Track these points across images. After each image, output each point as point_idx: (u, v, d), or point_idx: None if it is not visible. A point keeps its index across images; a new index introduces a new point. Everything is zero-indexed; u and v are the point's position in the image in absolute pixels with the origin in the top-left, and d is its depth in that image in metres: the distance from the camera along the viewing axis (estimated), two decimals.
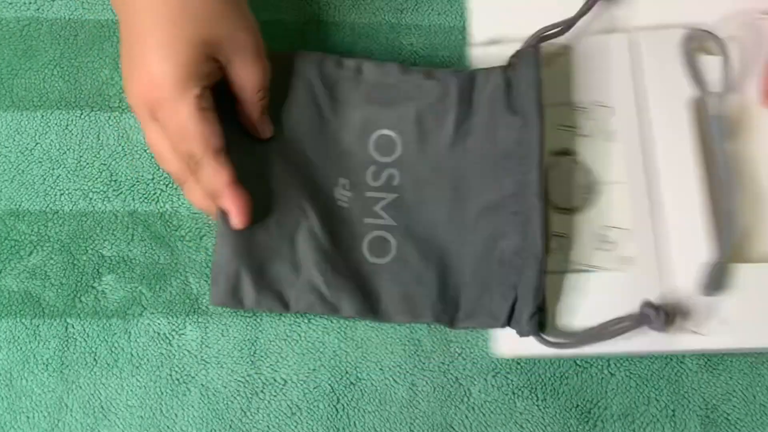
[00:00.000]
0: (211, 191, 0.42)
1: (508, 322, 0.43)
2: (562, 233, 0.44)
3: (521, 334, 0.43)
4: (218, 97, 0.43)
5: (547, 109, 0.44)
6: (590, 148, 0.46)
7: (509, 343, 0.43)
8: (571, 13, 0.47)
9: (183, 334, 0.45)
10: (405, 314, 0.43)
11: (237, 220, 0.42)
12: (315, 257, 0.43)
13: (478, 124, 0.46)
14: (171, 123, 0.41)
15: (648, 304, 0.42)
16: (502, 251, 0.44)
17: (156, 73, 0.40)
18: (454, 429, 0.43)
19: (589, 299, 0.43)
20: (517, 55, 0.46)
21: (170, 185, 0.47)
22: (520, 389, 0.44)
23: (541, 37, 0.46)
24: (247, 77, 0.43)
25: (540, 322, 0.42)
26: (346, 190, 0.46)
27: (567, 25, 0.47)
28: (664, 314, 0.41)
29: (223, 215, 0.43)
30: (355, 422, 0.43)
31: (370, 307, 0.43)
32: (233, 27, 0.42)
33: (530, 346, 0.42)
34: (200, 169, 0.41)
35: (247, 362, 0.44)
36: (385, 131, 0.46)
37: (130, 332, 0.45)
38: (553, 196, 0.45)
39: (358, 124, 0.46)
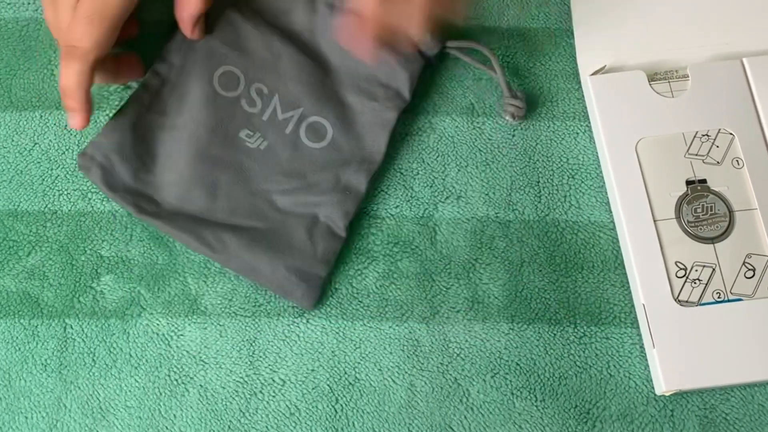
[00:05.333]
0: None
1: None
2: (707, 263, 0.44)
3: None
4: None
5: (669, 139, 0.46)
6: (720, 175, 0.46)
7: (672, 379, 0.43)
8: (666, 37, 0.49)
9: (182, 334, 0.44)
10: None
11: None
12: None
13: None
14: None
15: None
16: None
17: None
18: (452, 429, 0.43)
19: (740, 328, 0.43)
20: None
21: None
22: (519, 390, 0.44)
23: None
24: None
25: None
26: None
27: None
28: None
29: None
30: (353, 422, 0.43)
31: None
32: None
33: (692, 380, 0.43)
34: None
35: (246, 363, 0.44)
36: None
37: (128, 333, 0.44)
38: (693, 227, 0.45)
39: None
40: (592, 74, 0.48)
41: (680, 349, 0.43)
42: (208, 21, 0.47)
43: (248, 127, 0.47)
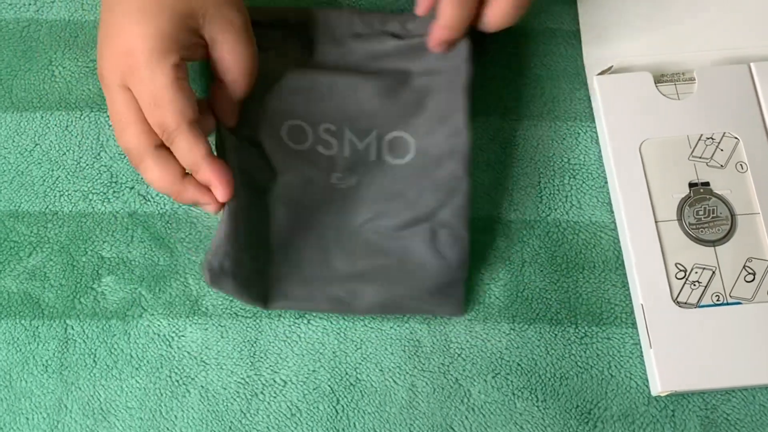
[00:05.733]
0: (189, 164, 0.41)
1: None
2: (707, 266, 0.44)
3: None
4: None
5: (673, 141, 0.46)
6: (723, 179, 0.46)
7: (668, 380, 0.43)
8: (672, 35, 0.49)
9: (183, 335, 0.44)
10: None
11: (220, 191, 0.41)
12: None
13: None
14: (145, 90, 0.40)
15: None
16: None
17: (134, 39, 0.40)
18: (453, 430, 0.43)
19: (738, 331, 0.43)
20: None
21: None
22: (520, 390, 0.44)
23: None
24: (235, 59, 0.42)
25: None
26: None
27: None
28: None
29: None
30: (354, 423, 0.43)
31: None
32: (219, 1, 0.41)
33: (688, 382, 0.43)
34: (175, 141, 0.40)
35: (247, 363, 0.44)
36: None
37: (129, 334, 0.44)
38: (694, 229, 0.45)
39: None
40: (599, 74, 0.48)
41: (677, 350, 0.43)
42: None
43: (335, 170, 0.46)
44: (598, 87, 0.48)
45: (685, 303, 0.44)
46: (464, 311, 0.44)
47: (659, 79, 0.48)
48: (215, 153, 0.44)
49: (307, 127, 0.46)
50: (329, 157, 0.46)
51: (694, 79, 0.48)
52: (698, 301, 0.44)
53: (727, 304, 0.44)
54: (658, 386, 0.43)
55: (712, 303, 0.44)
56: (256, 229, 0.44)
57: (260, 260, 0.44)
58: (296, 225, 0.45)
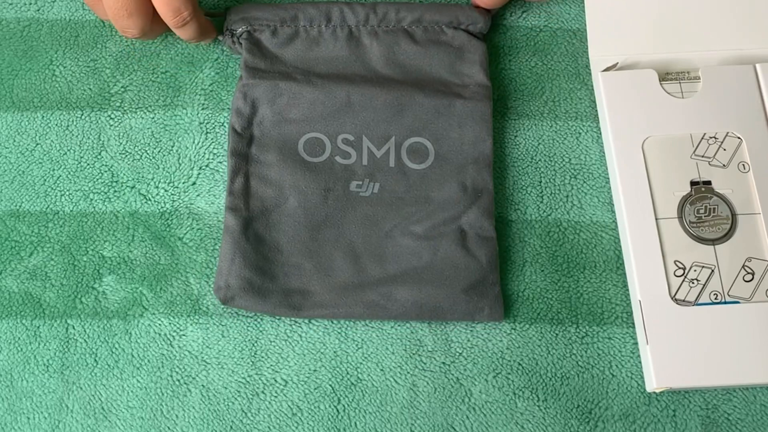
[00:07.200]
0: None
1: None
2: (707, 264, 0.44)
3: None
4: None
5: (676, 139, 0.46)
6: (725, 178, 0.46)
7: (663, 376, 0.43)
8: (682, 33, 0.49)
9: (184, 335, 0.45)
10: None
11: None
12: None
13: None
14: None
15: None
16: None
17: None
18: (455, 429, 0.43)
19: (735, 330, 0.43)
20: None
21: (171, 185, 0.47)
22: (521, 390, 0.44)
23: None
24: None
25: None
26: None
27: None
28: None
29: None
30: (356, 423, 0.43)
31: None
32: None
33: (684, 379, 0.43)
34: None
35: (248, 363, 0.44)
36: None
37: (130, 333, 0.44)
38: (695, 227, 0.45)
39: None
40: (604, 71, 0.48)
41: (674, 347, 0.43)
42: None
43: (354, 179, 0.46)
44: (602, 83, 0.48)
45: (683, 300, 0.44)
46: (503, 317, 0.44)
47: (664, 77, 0.48)
48: (228, 178, 0.46)
49: (325, 139, 0.46)
50: (347, 166, 0.46)
51: (699, 78, 0.48)
52: (696, 299, 0.44)
53: (725, 302, 0.44)
54: (653, 382, 0.43)
55: (710, 301, 0.44)
56: (271, 242, 0.45)
57: (279, 272, 0.44)
58: (322, 234, 0.45)
